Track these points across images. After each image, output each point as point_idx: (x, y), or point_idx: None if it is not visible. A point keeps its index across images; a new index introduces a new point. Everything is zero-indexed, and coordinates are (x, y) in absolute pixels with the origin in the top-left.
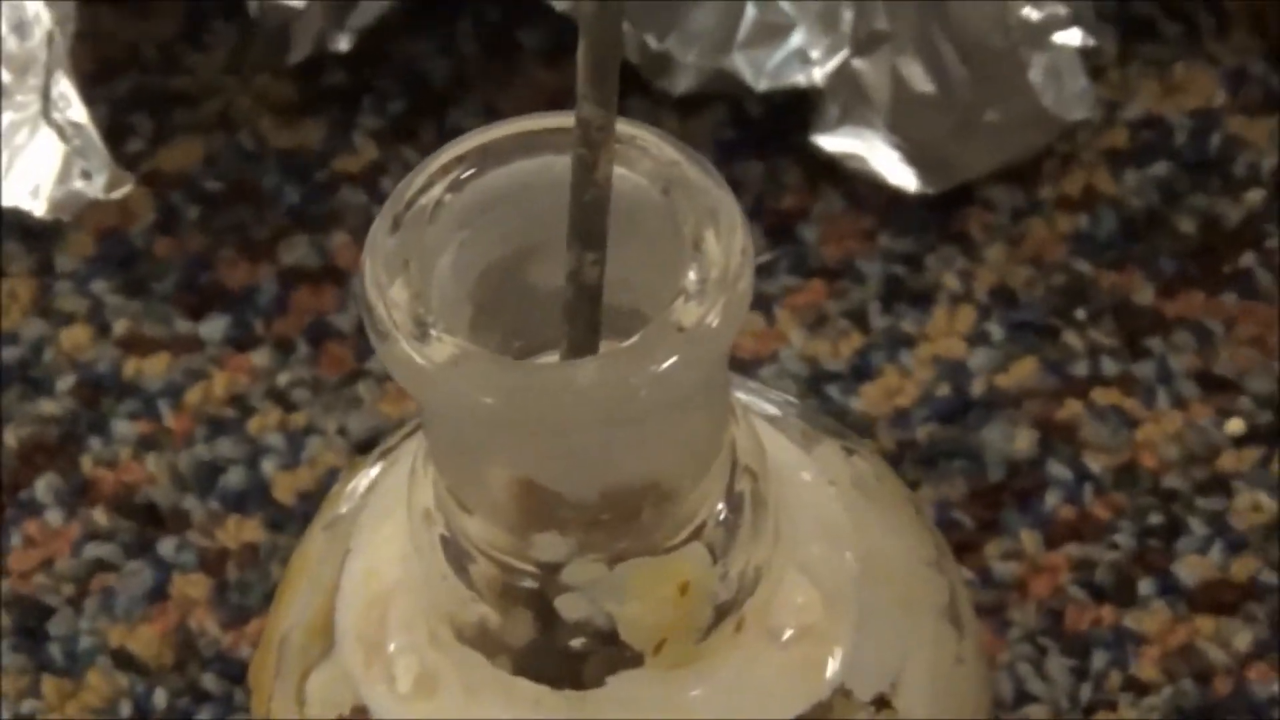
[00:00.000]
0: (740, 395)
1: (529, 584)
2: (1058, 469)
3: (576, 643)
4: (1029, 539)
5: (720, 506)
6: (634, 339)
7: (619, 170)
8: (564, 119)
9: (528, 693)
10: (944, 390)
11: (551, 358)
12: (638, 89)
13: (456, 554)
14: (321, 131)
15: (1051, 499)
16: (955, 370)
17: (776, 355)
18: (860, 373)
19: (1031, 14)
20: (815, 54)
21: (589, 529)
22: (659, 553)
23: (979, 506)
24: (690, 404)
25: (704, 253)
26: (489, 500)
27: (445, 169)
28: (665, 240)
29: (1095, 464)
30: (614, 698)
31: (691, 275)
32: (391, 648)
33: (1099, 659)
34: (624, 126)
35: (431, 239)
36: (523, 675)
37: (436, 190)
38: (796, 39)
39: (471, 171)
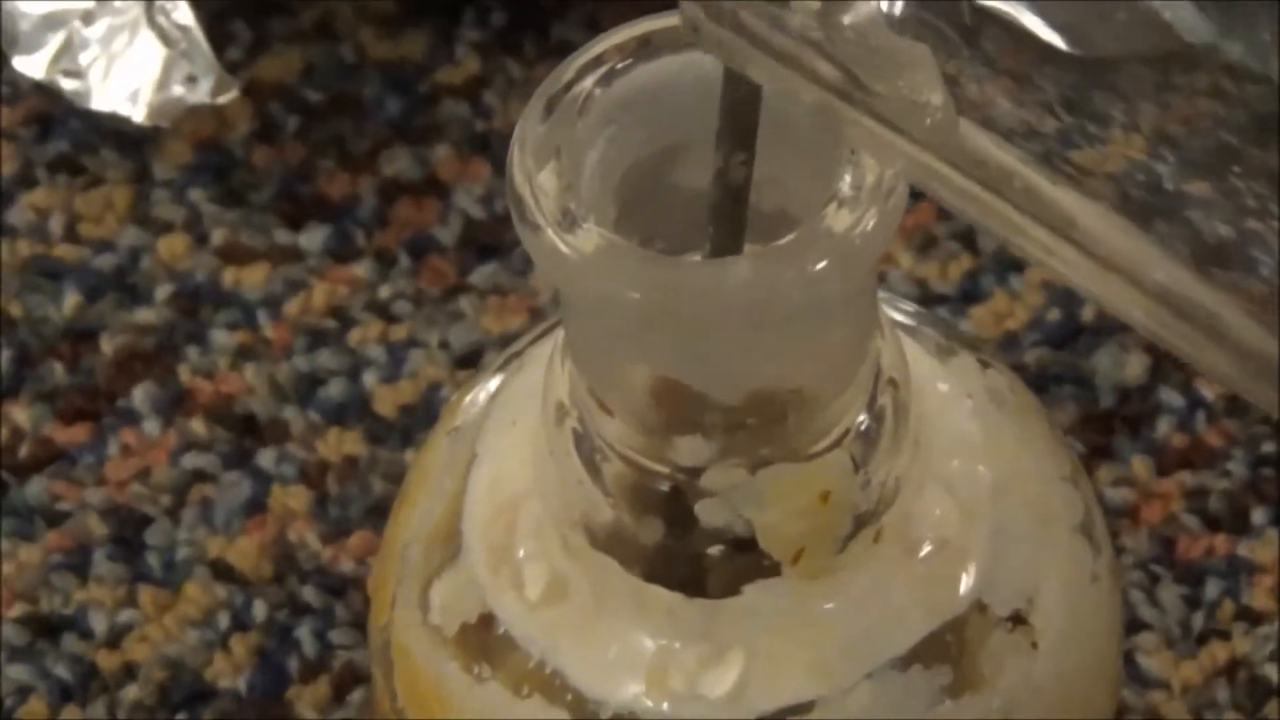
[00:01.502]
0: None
1: (666, 488)
2: (1169, 395)
3: (714, 550)
4: (1140, 466)
5: (863, 416)
6: (786, 240)
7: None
8: None
9: (661, 600)
10: (1054, 315)
11: (694, 259)
12: None
13: (592, 457)
14: (423, 43)
15: (1163, 426)
16: (1065, 295)
17: (886, 276)
18: (969, 295)
19: None
20: None
21: (732, 433)
22: (801, 460)
23: (1090, 432)
24: (838, 311)
25: (859, 158)
26: (630, 401)
27: (594, 63)
28: (817, 143)
29: (1208, 391)
30: (749, 607)
31: (846, 180)
32: (520, 554)
33: (1212, 588)
34: None
35: (580, 132)
36: (656, 582)
37: (587, 83)
38: None
39: (623, 65)
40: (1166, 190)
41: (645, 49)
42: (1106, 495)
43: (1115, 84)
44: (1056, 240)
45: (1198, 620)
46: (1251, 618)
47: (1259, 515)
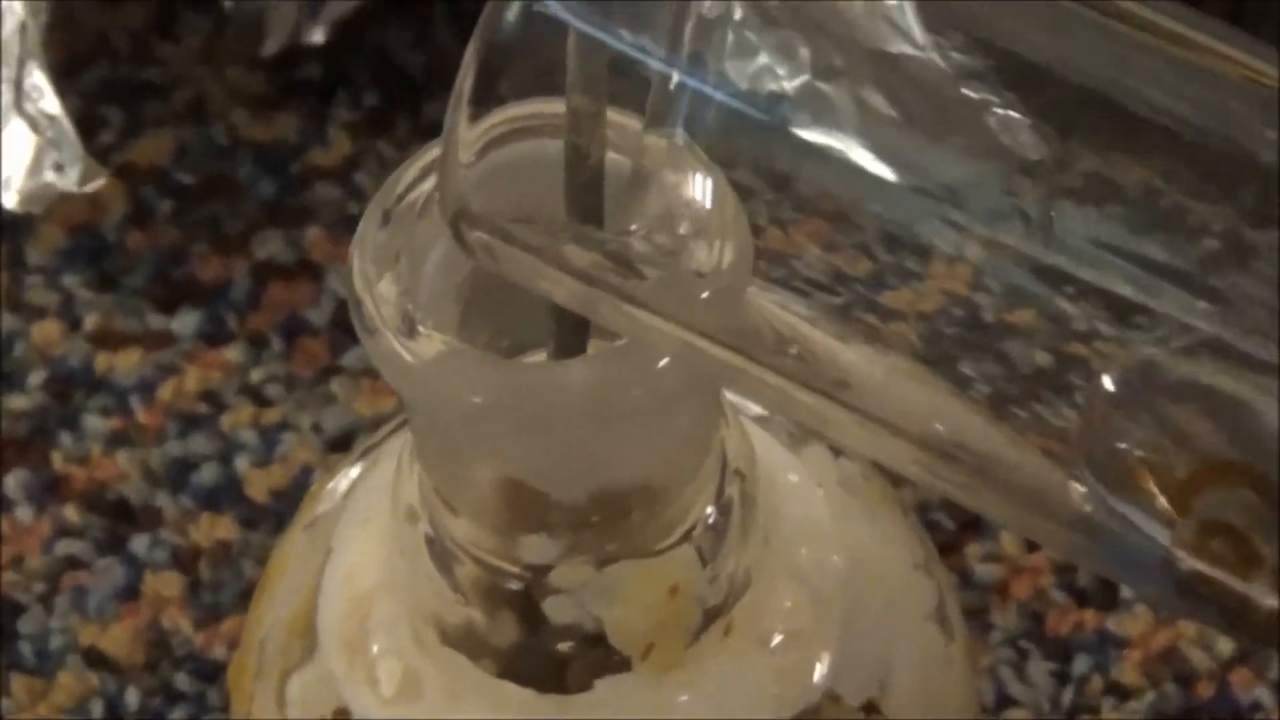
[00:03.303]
0: (729, 394)
1: (516, 586)
2: None
3: (564, 646)
4: (1010, 541)
5: (710, 509)
6: (626, 339)
7: (612, 157)
8: (551, 105)
9: (513, 696)
10: None
11: (539, 357)
12: None
13: (442, 555)
14: (295, 124)
15: None
16: None
17: None
18: None
19: None
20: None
21: (578, 531)
22: (648, 555)
23: (959, 507)
24: (682, 405)
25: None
26: (476, 501)
27: (433, 166)
28: None
29: None
30: (601, 702)
31: None
32: (374, 650)
33: (1081, 663)
34: (615, 114)
35: (421, 235)
36: (508, 678)
37: (427, 185)
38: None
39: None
40: (984, 323)
41: (486, 145)
42: (975, 571)
43: (946, 212)
44: (827, 404)
45: (1067, 696)
46: (1120, 693)
47: (1128, 589)
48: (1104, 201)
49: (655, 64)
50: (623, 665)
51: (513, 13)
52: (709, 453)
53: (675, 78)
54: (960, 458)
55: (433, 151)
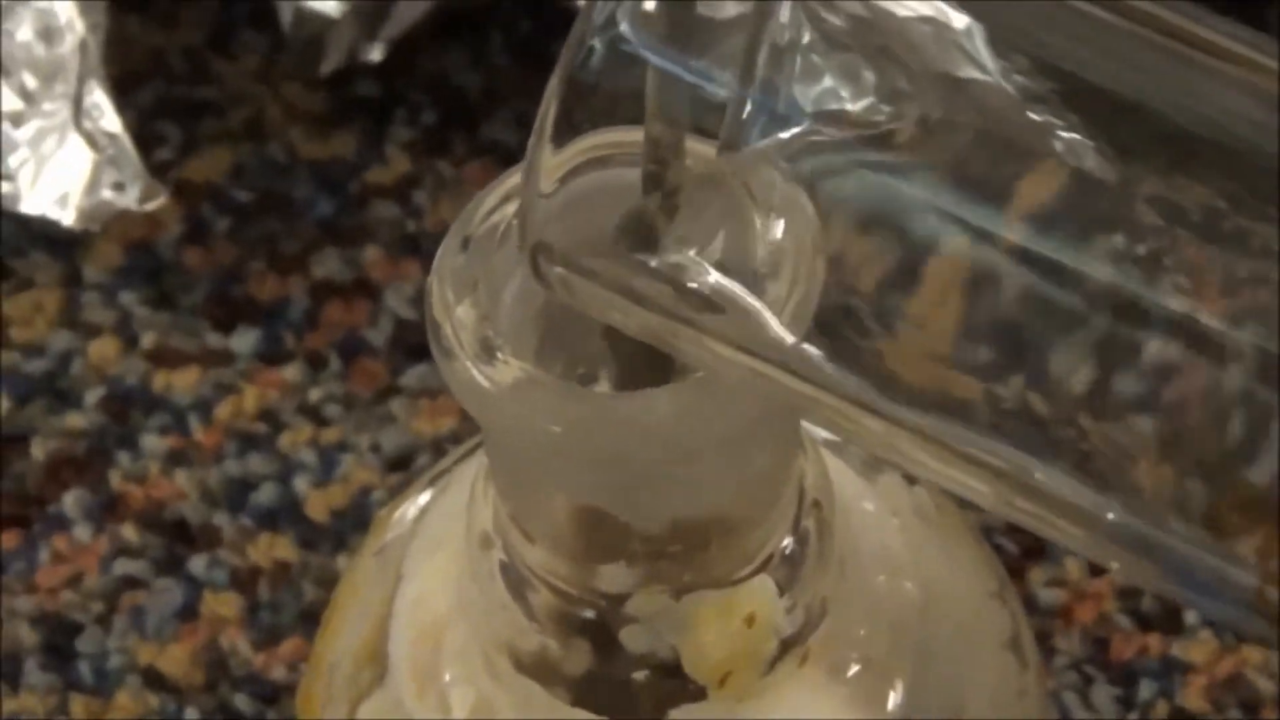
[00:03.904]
0: (803, 421)
1: (591, 614)
2: None
3: (638, 675)
4: (1074, 565)
5: (788, 539)
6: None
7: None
8: (629, 134)
9: None
10: None
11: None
12: None
13: (516, 582)
14: (353, 143)
15: None
16: None
17: None
18: None
19: None
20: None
21: (655, 560)
22: (725, 585)
23: (1023, 532)
24: (762, 435)
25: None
26: (553, 529)
27: (513, 192)
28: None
29: None
30: None
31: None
32: (446, 677)
33: (1145, 688)
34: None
35: (500, 262)
36: (582, 707)
37: (507, 210)
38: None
39: None
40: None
41: (566, 174)
42: (1039, 596)
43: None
44: (901, 435)
45: None
46: (1185, 718)
47: (1191, 615)
48: (1171, 223)
49: (729, 94)
50: (698, 695)
51: (597, 48)
52: (787, 482)
53: (749, 107)
54: (1035, 487)
55: (510, 178)
